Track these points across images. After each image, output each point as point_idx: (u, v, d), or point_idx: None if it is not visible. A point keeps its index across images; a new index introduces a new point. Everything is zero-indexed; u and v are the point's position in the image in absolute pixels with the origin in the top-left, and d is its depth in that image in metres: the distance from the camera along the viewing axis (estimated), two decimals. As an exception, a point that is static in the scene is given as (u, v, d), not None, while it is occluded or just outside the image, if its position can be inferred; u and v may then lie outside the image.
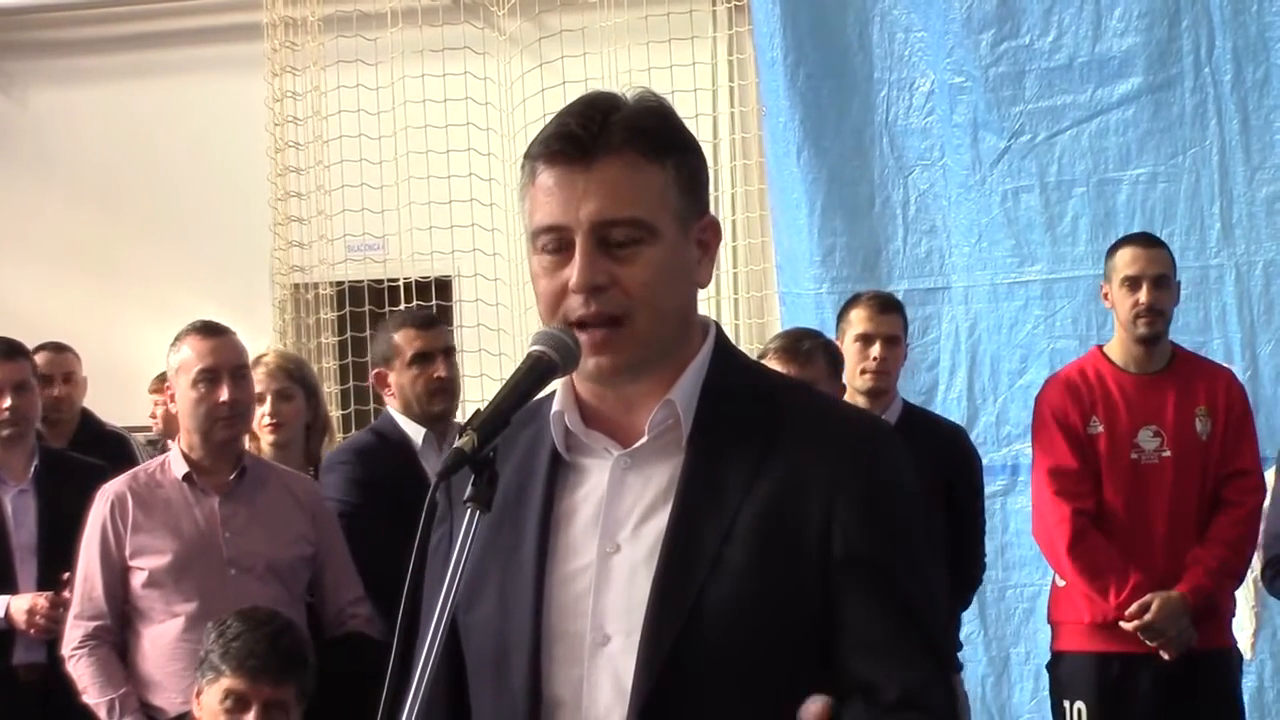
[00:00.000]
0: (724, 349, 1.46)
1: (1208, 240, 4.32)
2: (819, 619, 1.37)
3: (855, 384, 3.62)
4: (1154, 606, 3.48)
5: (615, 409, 1.43)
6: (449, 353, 3.48)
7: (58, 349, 4.62)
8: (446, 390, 3.44)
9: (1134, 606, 3.49)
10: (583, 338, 1.37)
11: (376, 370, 3.48)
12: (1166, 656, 3.51)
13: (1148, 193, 4.41)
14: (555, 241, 1.38)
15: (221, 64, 6.32)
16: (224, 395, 3.08)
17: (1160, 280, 3.59)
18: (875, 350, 3.59)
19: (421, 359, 3.39)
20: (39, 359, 4.11)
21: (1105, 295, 3.69)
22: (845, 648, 1.37)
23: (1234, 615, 3.69)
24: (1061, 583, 3.67)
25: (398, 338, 3.42)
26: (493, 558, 1.42)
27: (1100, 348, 3.71)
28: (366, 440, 3.60)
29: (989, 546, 4.43)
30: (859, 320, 3.64)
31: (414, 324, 3.47)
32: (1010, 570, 4.39)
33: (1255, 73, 4.38)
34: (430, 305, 5.81)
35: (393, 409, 3.48)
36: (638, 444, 1.41)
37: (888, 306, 3.69)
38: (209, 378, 3.09)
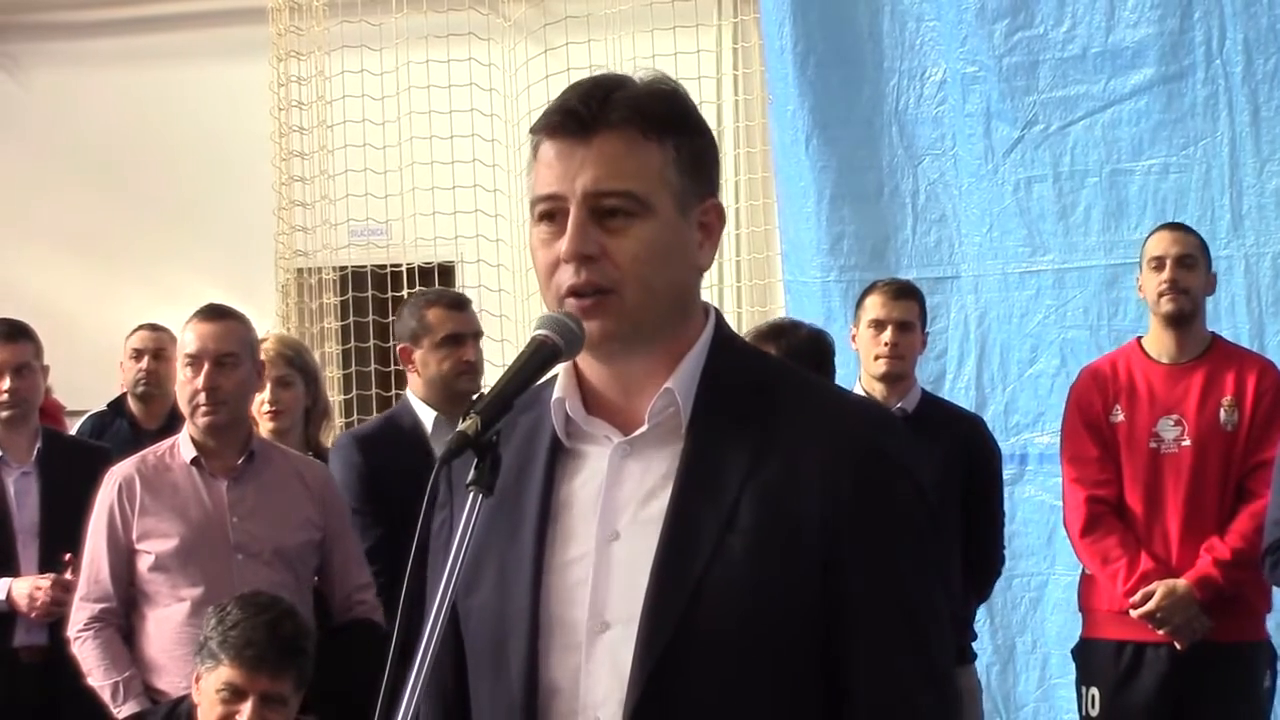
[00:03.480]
0: (724, 335, 1.45)
1: (1217, 231, 4.30)
2: (817, 608, 1.36)
3: (870, 369, 3.63)
4: (1157, 595, 3.47)
5: (616, 395, 1.42)
6: (477, 337, 3.47)
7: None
8: (472, 374, 3.42)
9: (1138, 595, 3.49)
10: (572, 304, 1.37)
11: (402, 346, 3.44)
12: (1179, 646, 3.50)
13: (1159, 183, 4.40)
14: (551, 210, 1.38)
15: (226, 48, 6.31)
16: (199, 382, 3.07)
17: (1185, 259, 3.60)
18: (887, 335, 3.59)
19: (452, 341, 3.38)
20: None
21: (1140, 288, 3.70)
22: (836, 642, 1.37)
23: (1270, 610, 3.64)
24: (1088, 569, 3.67)
25: (430, 316, 3.40)
26: (492, 544, 1.42)
27: (1139, 340, 3.71)
28: (374, 426, 3.58)
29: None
30: (873, 306, 3.65)
31: (447, 304, 3.45)
32: (1017, 559, 4.38)
33: (1265, 64, 4.36)
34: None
35: (412, 391, 3.46)
36: (637, 432, 1.41)
37: (902, 293, 3.69)
38: (191, 363, 3.09)
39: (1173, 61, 4.39)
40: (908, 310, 3.65)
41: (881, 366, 3.59)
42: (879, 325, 3.60)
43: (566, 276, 1.37)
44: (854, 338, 3.71)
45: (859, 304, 3.73)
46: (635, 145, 1.37)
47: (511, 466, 1.40)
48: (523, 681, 1.38)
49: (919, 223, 4.63)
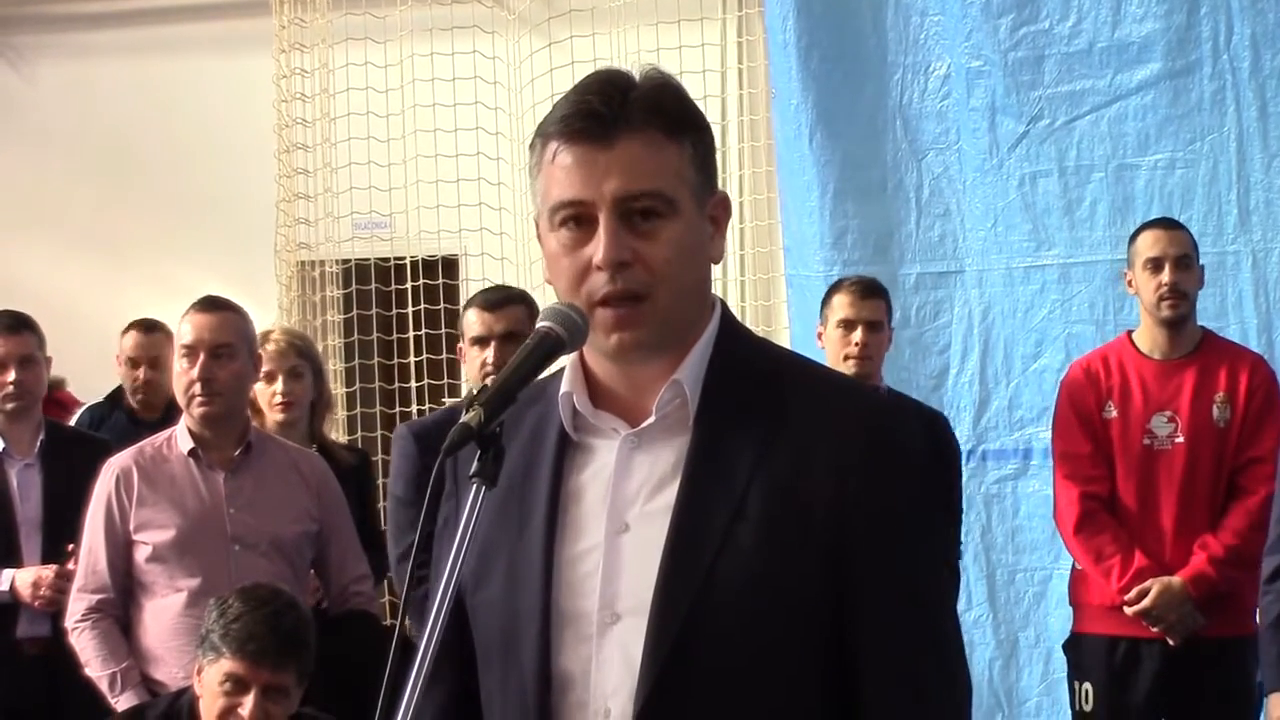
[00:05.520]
0: (730, 326, 1.45)
1: (1225, 226, 4.30)
2: (826, 597, 1.37)
3: (839, 369, 3.61)
4: (1152, 592, 3.48)
5: (624, 388, 1.42)
6: (508, 338, 3.08)
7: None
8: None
9: (1133, 591, 3.49)
10: (605, 314, 1.36)
11: (458, 345, 3.31)
12: (1172, 642, 3.50)
13: (1166, 178, 4.40)
14: (576, 217, 1.37)
15: (229, 40, 6.30)
16: (194, 373, 3.06)
17: (1182, 260, 3.59)
18: (857, 336, 3.59)
19: (479, 344, 3.12)
20: None
21: (1129, 282, 3.69)
22: (845, 630, 1.37)
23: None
24: (1080, 565, 3.66)
25: (465, 316, 3.20)
26: (500, 537, 1.42)
27: (1129, 334, 3.71)
28: (434, 419, 3.46)
29: (1000, 530, 4.43)
30: (841, 306, 3.64)
31: (480, 305, 3.17)
32: (1020, 554, 4.39)
33: (1273, 60, 4.36)
34: (438, 284, 5.80)
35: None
36: (644, 424, 1.41)
37: (869, 292, 3.67)
38: (187, 354, 3.09)
39: (1179, 56, 4.38)
40: (876, 309, 3.63)
41: (852, 367, 3.57)
42: (848, 325, 3.59)
43: (600, 283, 1.36)
44: (820, 335, 3.70)
45: (825, 302, 3.71)
46: (658, 146, 1.37)
47: (519, 460, 1.40)
48: (535, 673, 1.38)
49: (923, 217, 4.62)
